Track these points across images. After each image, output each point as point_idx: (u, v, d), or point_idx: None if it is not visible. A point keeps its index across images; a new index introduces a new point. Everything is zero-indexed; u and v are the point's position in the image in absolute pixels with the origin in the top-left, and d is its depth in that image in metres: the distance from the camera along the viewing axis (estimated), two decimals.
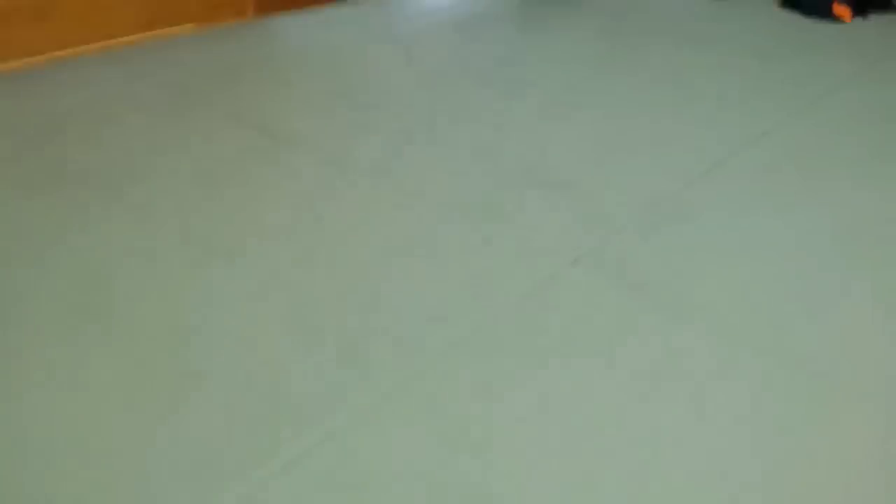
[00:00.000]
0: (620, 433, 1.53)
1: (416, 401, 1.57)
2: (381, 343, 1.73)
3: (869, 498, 1.43)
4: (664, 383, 1.66)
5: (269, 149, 2.54)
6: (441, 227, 2.19)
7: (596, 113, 2.98)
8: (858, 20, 4.18)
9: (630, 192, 2.42)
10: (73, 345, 1.68)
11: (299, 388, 1.58)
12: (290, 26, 3.54)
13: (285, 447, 1.45)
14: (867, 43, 3.89)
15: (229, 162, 2.46)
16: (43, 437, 1.45)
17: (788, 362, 1.74)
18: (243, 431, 1.48)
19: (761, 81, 3.33)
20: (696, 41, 3.72)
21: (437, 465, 1.43)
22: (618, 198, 2.39)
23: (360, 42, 3.44)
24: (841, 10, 4.15)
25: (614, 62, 3.44)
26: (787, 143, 2.84)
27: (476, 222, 2.22)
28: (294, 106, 2.83)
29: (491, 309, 1.87)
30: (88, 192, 2.27)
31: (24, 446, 1.43)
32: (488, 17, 3.86)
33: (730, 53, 3.60)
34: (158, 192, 2.29)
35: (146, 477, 1.38)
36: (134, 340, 1.69)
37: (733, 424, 1.57)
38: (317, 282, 1.92)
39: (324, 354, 1.68)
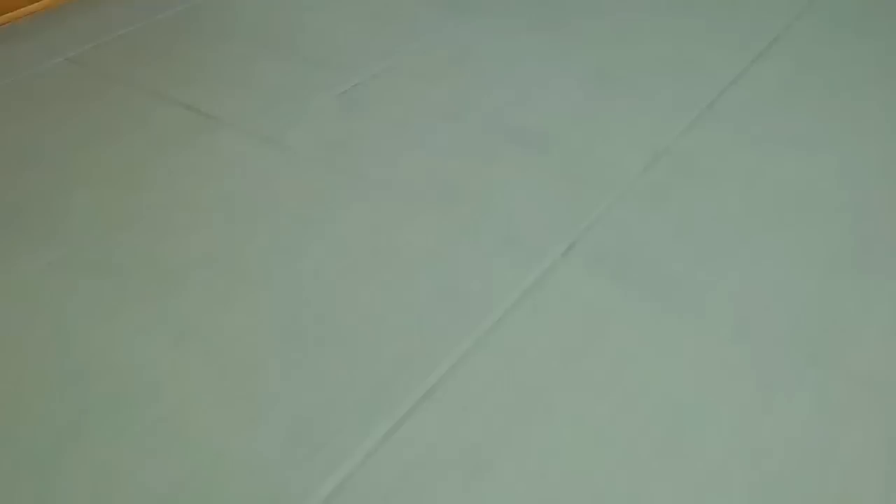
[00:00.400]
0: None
1: None
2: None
3: None
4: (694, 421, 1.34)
5: (200, 128, 2.13)
6: (407, 219, 1.81)
7: (577, 41, 2.55)
8: None
9: (624, 144, 2.04)
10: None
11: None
12: None
13: None
14: None
15: (154, 150, 2.05)
16: None
17: (848, 376, 1.42)
18: None
19: None
20: None
21: None
22: (610, 154, 2.00)
23: None
24: None
25: None
26: (805, 49, 2.42)
27: (445, 207, 1.84)
28: (227, 72, 2.40)
29: (459, 343, 1.53)
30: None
31: None
32: None
33: None
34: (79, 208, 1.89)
35: None
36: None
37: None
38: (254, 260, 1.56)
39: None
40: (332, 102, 2.26)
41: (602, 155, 2.02)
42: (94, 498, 1.27)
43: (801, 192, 1.88)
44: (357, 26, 2.64)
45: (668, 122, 2.13)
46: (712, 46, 2.47)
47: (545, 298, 1.60)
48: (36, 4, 2.70)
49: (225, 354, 1.50)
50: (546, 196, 1.89)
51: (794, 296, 1.60)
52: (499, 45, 2.52)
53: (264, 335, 1.54)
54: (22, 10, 2.66)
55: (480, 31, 2.59)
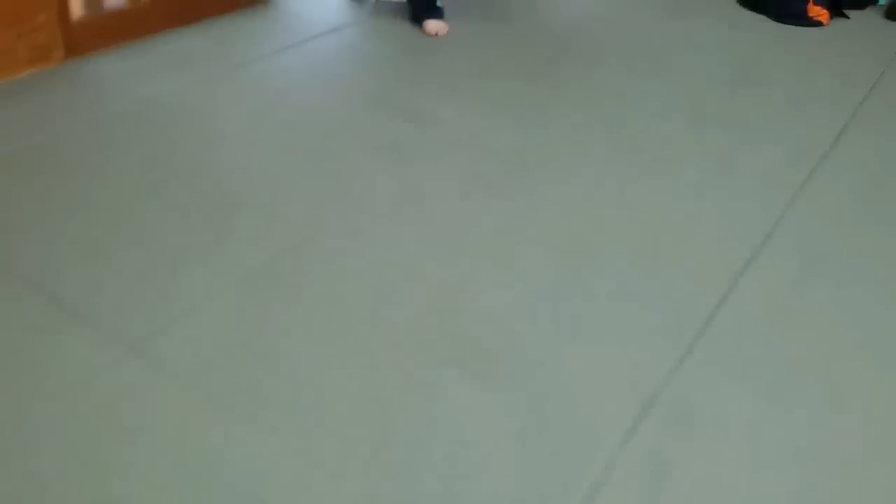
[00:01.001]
0: None
1: None
2: None
3: None
4: None
5: (44, 323, 1.70)
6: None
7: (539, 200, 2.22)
8: (838, 21, 3.48)
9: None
10: None
11: None
12: (114, 71, 2.67)
13: None
14: (859, 47, 3.20)
15: None
16: None
17: None
18: None
19: (757, 132, 2.60)
20: (659, 69, 2.97)
21: None
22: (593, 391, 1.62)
23: (211, 90, 2.61)
24: (817, 10, 3.43)
25: (558, 111, 2.66)
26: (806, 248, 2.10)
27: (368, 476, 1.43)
28: (90, 237, 1.98)
29: None
30: None
31: None
32: (382, 35, 3.06)
33: (706, 81, 2.86)
34: None
35: None
36: None
37: None
38: None
39: None
40: (230, 288, 1.77)
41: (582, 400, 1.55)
42: None
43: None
44: (276, 166, 2.21)
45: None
46: (699, 243, 2.14)
47: None
48: None
49: None
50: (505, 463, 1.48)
51: None
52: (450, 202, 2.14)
53: None
54: None
55: (425, 181, 2.20)
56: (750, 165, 2.35)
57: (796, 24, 3.38)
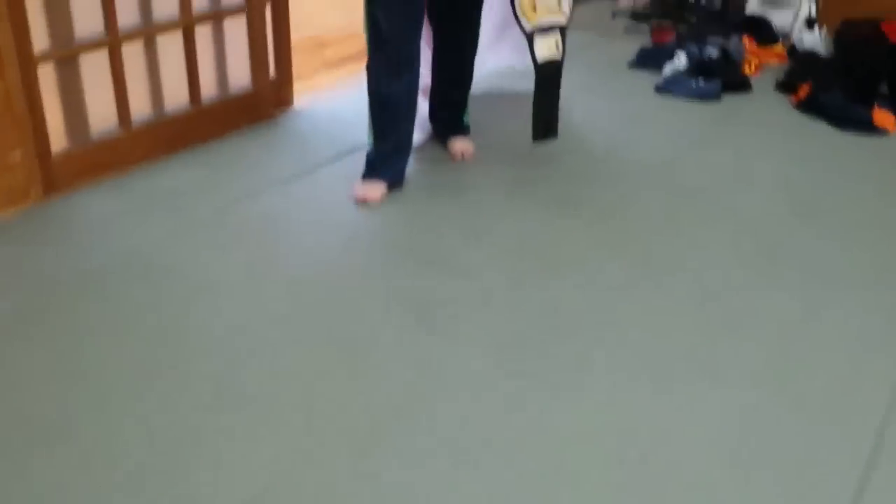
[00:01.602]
0: None
1: None
2: None
3: None
4: None
5: None
6: None
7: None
8: None
9: None
10: None
11: None
12: (96, 214, 2.34)
13: None
14: None
15: None
16: None
17: None
18: None
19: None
20: (709, 200, 2.61)
21: None
22: None
23: (201, 237, 2.29)
24: (884, 116, 3.08)
25: (597, 253, 2.32)
26: None
27: None
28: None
29: None
30: None
31: None
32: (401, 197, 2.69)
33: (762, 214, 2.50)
34: None
35: None
36: None
37: None
38: None
39: None
40: None
41: None
42: None
43: None
44: (274, 339, 1.85)
45: None
46: None
47: None
48: None
49: None
50: None
51: None
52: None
53: None
54: None
55: (447, 358, 1.83)
56: (838, 322, 1.99)
57: (860, 133, 3.04)
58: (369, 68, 2.41)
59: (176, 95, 2.71)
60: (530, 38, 2.38)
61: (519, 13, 2.34)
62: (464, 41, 2.64)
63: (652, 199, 2.54)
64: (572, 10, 2.49)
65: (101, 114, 2.52)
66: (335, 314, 1.97)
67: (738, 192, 2.59)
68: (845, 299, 2.08)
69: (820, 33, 3.73)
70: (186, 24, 2.62)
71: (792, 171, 2.76)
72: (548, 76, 2.47)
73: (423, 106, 2.75)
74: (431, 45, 2.64)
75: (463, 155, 2.73)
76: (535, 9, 2.34)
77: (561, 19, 2.42)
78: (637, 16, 4.16)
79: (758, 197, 2.57)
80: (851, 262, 2.25)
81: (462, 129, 2.78)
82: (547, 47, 2.41)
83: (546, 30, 2.39)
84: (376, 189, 2.46)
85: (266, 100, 2.96)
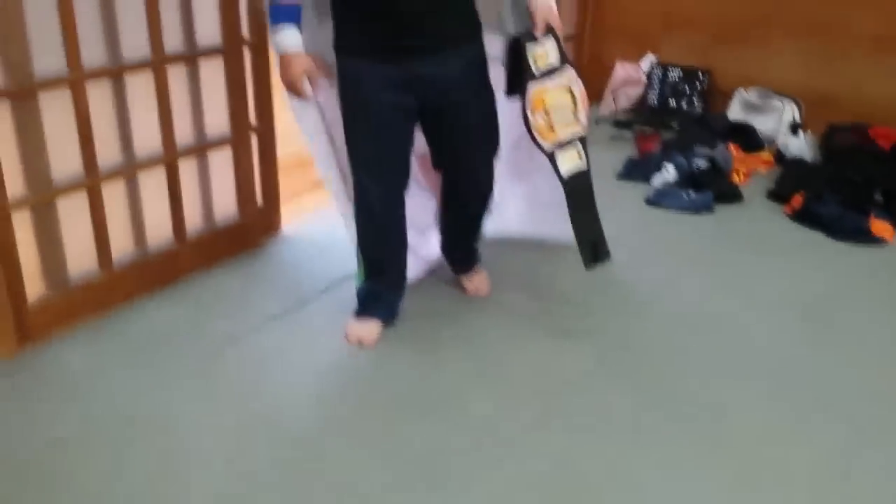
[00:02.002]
0: None
1: None
2: None
3: None
4: None
5: None
6: None
7: None
8: None
9: None
10: None
11: None
12: (72, 365, 2.20)
13: None
14: None
15: None
16: None
17: None
18: None
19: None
20: (721, 326, 2.52)
21: None
22: None
23: (180, 389, 2.16)
24: (881, 226, 3.05)
25: (615, 394, 2.20)
26: None
27: None
28: None
29: None
30: None
31: None
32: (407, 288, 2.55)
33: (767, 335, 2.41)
34: None
35: None
36: None
37: None
38: None
39: None
40: None
41: None
42: None
43: None
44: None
45: None
46: None
47: None
48: None
49: None
50: None
51: None
52: None
53: None
54: None
55: None
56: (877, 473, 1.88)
57: (857, 243, 3.00)
58: (356, 219, 2.31)
59: (159, 231, 2.61)
60: (551, 157, 2.26)
61: (537, 136, 2.22)
62: (471, 196, 2.39)
63: (659, 327, 2.46)
64: (590, 119, 2.39)
65: (80, 255, 2.40)
66: (331, 478, 1.83)
67: (745, 312, 2.52)
68: (881, 442, 1.97)
69: (806, 138, 3.73)
70: (170, 160, 2.53)
71: (798, 287, 2.70)
72: (578, 189, 2.32)
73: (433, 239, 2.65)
74: (439, 191, 2.47)
75: (478, 291, 2.59)
76: (552, 128, 2.22)
77: (579, 130, 2.29)
78: (619, 123, 4.15)
79: (766, 317, 2.50)
80: (877, 391, 2.16)
81: (474, 256, 2.61)
82: (570, 159, 2.29)
83: (565, 144, 2.27)
84: (370, 329, 2.33)
85: (253, 229, 2.87)
